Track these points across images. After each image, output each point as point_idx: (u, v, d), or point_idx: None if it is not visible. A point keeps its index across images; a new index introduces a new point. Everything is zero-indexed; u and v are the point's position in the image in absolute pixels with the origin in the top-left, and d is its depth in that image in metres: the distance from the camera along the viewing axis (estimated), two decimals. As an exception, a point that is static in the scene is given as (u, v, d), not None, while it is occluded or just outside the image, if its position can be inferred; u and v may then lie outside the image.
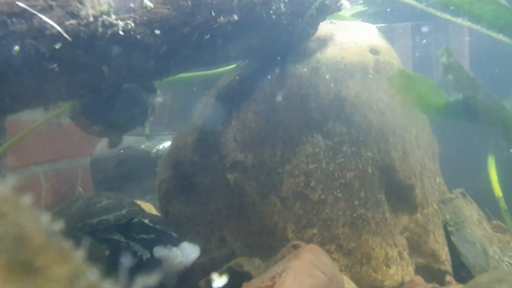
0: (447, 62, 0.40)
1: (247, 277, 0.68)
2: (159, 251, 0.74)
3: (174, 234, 0.81)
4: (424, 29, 1.53)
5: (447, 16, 0.71)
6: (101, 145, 1.41)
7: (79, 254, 0.13)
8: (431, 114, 0.38)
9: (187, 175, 0.92)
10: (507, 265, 0.85)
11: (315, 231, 0.79)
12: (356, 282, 0.74)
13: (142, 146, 1.43)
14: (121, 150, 1.42)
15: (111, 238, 0.77)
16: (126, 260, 0.73)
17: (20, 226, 0.12)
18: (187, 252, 0.74)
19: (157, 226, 0.81)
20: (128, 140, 1.44)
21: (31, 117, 1.02)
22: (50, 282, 0.11)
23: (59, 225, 0.13)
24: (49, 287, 0.11)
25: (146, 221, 0.81)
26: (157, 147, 1.43)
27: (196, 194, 0.91)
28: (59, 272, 0.12)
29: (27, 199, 0.13)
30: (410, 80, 0.38)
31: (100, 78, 0.59)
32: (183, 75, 1.00)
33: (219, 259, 0.85)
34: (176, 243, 0.77)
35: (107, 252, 0.74)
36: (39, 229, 0.12)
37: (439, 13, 0.71)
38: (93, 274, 0.13)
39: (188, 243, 0.77)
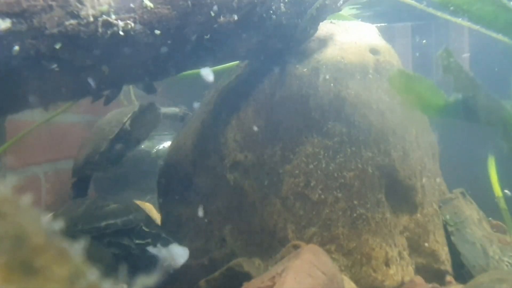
0: (447, 63, 0.40)
1: (247, 277, 0.68)
2: (150, 252, 0.75)
3: (166, 236, 0.81)
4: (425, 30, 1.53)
5: (447, 16, 0.71)
6: (101, 145, 1.41)
7: (79, 254, 0.13)
8: (431, 114, 0.38)
9: (187, 175, 0.92)
10: (507, 265, 0.85)
11: (315, 231, 0.79)
12: (356, 282, 0.74)
13: (142, 146, 1.42)
14: (121, 150, 1.42)
15: (119, 243, 0.78)
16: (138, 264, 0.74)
17: (20, 226, 0.12)
18: (176, 255, 0.75)
19: (153, 231, 0.82)
20: (128, 140, 1.43)
21: (31, 117, 1.02)
22: (50, 282, 0.11)
23: (59, 225, 0.13)
24: (49, 287, 0.11)
25: (144, 227, 0.83)
26: (157, 147, 1.43)
27: (196, 194, 0.91)
28: (59, 272, 0.12)
29: (27, 199, 0.13)
30: (410, 80, 0.38)
31: (100, 78, 0.59)
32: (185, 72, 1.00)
33: (219, 259, 0.85)
34: (166, 244, 0.78)
35: (112, 255, 0.75)
36: (39, 229, 0.12)
37: (439, 13, 0.71)
38: (93, 274, 0.13)
39: (177, 245, 0.77)
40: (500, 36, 0.61)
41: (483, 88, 0.41)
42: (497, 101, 0.41)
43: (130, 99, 1.50)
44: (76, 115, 1.35)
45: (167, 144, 1.38)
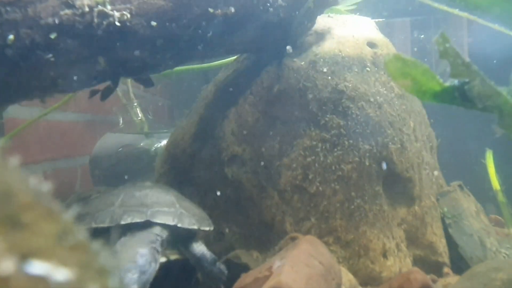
0: (443, 48, 0.40)
1: (245, 268, 0.68)
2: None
3: None
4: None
5: (443, 7, 0.71)
6: (100, 144, 1.41)
7: (69, 214, 0.13)
8: (426, 99, 0.38)
9: (185, 169, 0.92)
10: (504, 257, 0.85)
11: (313, 223, 0.79)
12: (354, 273, 0.74)
13: (141, 144, 1.42)
14: (120, 148, 1.41)
15: None
16: None
17: (7, 183, 0.12)
18: None
19: None
20: (127, 138, 1.43)
21: (30, 116, 1.02)
22: (38, 237, 0.11)
23: (48, 186, 0.13)
24: (36, 242, 0.11)
25: None
26: (156, 145, 1.42)
27: (194, 188, 0.91)
28: (47, 228, 0.12)
29: (15, 160, 0.13)
30: (406, 65, 0.38)
31: (96, 70, 0.59)
32: (182, 67, 1.00)
33: (218, 253, 0.85)
34: None
35: None
36: (27, 188, 0.12)
37: (436, 4, 0.71)
38: (81, 233, 0.13)
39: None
40: (496, 26, 0.61)
41: (480, 74, 0.41)
42: (493, 87, 0.41)
43: (129, 97, 1.50)
44: (76, 113, 1.35)
45: (165, 142, 1.37)
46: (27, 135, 1.02)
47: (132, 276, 0.54)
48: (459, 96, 0.39)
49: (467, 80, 0.40)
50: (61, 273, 0.10)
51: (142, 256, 0.57)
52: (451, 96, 0.39)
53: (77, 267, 0.11)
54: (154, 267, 0.58)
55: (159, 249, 0.62)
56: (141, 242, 0.60)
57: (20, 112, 1.01)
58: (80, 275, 0.11)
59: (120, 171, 1.39)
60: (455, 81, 0.40)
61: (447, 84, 0.40)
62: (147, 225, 0.63)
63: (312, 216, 0.79)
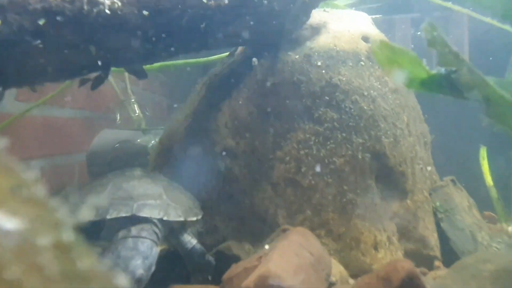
0: (431, 36, 0.40)
1: (236, 260, 0.68)
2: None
3: None
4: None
5: (441, 2, 0.71)
6: (98, 140, 1.41)
7: (30, 174, 0.13)
8: (414, 87, 0.38)
9: (179, 162, 0.92)
10: (495, 250, 0.85)
11: (305, 216, 0.79)
12: (345, 265, 0.74)
13: (138, 140, 1.42)
14: (117, 144, 1.41)
15: None
16: None
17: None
18: None
19: None
20: (125, 134, 1.43)
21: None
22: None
23: (4, 143, 0.13)
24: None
25: None
26: (153, 141, 1.42)
27: (187, 181, 0.91)
28: (1, 182, 0.12)
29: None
30: (394, 53, 0.38)
31: (87, 59, 0.59)
32: (177, 62, 1.00)
33: (211, 245, 0.85)
34: None
35: None
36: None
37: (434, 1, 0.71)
38: (38, 189, 0.13)
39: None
40: (498, 23, 0.61)
41: (467, 63, 0.41)
42: (480, 76, 0.41)
43: (127, 93, 1.49)
44: (73, 110, 1.35)
45: (162, 137, 1.37)
46: (24, 131, 1.02)
47: (136, 262, 0.56)
48: (446, 85, 0.39)
49: (454, 68, 0.40)
50: (9, 222, 0.10)
51: (143, 242, 0.59)
52: (438, 84, 0.39)
53: (30, 219, 0.11)
54: (156, 251, 0.60)
55: (160, 234, 0.63)
56: (140, 230, 0.61)
57: (16, 107, 1.00)
58: (32, 226, 0.11)
59: (117, 167, 1.38)
60: (442, 69, 0.40)
61: (434, 72, 0.40)
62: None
63: (305, 209, 0.79)
